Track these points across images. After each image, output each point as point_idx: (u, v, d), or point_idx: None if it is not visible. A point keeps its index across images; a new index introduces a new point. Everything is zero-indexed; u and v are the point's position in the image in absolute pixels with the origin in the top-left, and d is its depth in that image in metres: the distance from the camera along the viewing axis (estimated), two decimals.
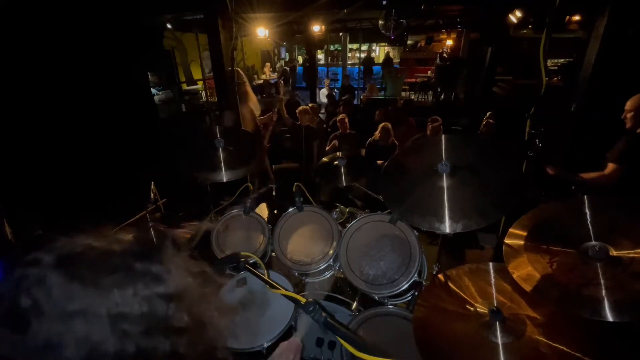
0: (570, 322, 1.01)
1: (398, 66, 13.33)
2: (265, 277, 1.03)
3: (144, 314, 0.50)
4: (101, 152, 3.74)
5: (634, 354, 0.97)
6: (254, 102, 3.71)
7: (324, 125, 6.11)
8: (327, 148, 4.80)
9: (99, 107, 3.82)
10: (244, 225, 2.06)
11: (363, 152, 4.53)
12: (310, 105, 6.26)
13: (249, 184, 2.16)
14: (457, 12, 7.73)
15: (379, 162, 3.90)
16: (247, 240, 1.98)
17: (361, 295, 1.70)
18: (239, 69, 3.66)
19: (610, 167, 2.38)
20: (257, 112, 3.81)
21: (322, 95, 10.09)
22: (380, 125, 4.48)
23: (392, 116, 5.61)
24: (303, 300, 0.91)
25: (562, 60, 9.37)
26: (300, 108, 4.77)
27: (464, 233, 1.30)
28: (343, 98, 9.50)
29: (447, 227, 1.30)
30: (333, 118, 5.86)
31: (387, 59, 12.69)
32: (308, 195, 2.09)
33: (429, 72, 11.89)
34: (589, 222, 1.05)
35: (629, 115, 2.41)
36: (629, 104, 2.40)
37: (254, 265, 1.11)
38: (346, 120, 4.86)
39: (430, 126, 4.40)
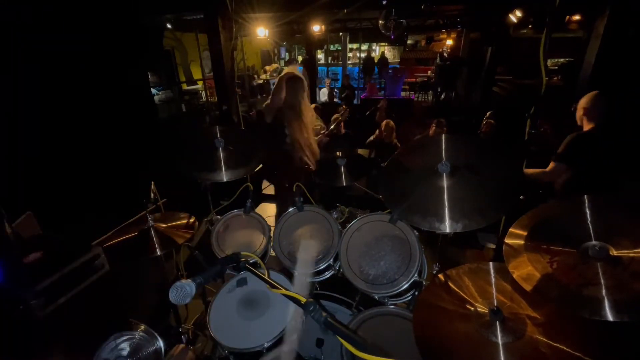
0: (570, 322, 1.01)
1: (398, 66, 13.34)
2: (266, 277, 1.03)
3: None
4: (101, 151, 3.74)
5: (634, 354, 0.98)
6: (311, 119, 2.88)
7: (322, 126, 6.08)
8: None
9: (99, 107, 3.82)
10: (244, 225, 2.06)
11: (365, 153, 4.51)
12: (312, 106, 6.25)
13: (249, 184, 2.16)
14: (457, 12, 7.73)
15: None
16: (247, 240, 1.99)
17: (361, 295, 1.70)
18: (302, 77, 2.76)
19: (551, 164, 2.39)
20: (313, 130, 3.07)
21: (323, 95, 10.10)
22: (384, 123, 4.48)
23: (418, 115, 5.60)
24: (303, 300, 0.91)
25: (562, 60, 9.38)
26: None
27: (464, 233, 1.30)
28: (342, 95, 9.52)
29: (447, 227, 1.29)
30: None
31: (382, 59, 12.67)
32: (308, 195, 2.09)
33: (429, 72, 11.91)
34: (589, 222, 1.04)
35: (579, 113, 2.39)
36: (582, 101, 2.37)
37: (254, 265, 1.11)
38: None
39: (433, 128, 4.42)
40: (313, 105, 6.20)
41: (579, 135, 2.36)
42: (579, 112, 2.40)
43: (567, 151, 2.33)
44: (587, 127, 2.37)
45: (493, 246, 3.24)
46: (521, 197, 2.72)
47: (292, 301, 0.95)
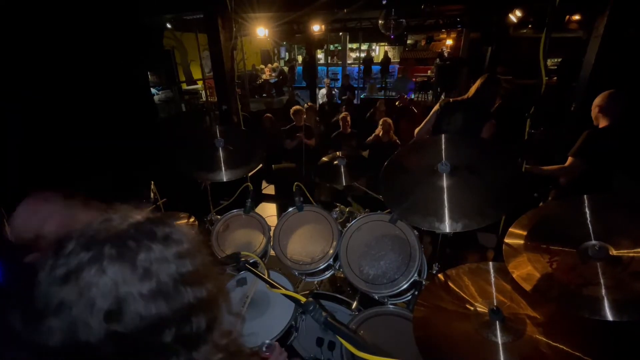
0: (570, 322, 1.01)
1: (396, 66, 13.31)
2: (266, 277, 1.03)
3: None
4: (101, 151, 3.73)
5: (634, 354, 0.98)
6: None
7: (321, 124, 6.06)
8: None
9: (98, 107, 3.82)
10: (244, 225, 2.06)
11: (365, 153, 4.50)
12: (308, 104, 6.26)
13: (249, 184, 2.16)
14: (457, 12, 7.73)
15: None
16: (247, 240, 1.99)
17: (361, 294, 1.70)
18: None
19: (569, 160, 2.41)
20: None
21: (322, 95, 10.08)
22: (381, 120, 4.48)
23: (397, 110, 5.61)
24: (303, 299, 0.91)
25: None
26: (294, 108, 4.76)
27: (464, 233, 1.30)
28: (343, 97, 9.50)
29: (447, 227, 1.30)
30: (333, 118, 5.83)
31: (386, 59, 12.69)
32: (308, 195, 2.09)
33: (429, 72, 11.89)
34: (589, 222, 1.05)
35: (594, 111, 2.44)
36: (597, 99, 2.43)
37: (254, 265, 1.12)
38: (348, 118, 4.82)
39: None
40: (309, 104, 6.20)
41: (594, 131, 2.39)
42: (594, 110, 2.43)
43: (584, 146, 2.36)
44: (602, 124, 2.39)
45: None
46: (535, 194, 2.72)
47: (292, 301, 0.95)
